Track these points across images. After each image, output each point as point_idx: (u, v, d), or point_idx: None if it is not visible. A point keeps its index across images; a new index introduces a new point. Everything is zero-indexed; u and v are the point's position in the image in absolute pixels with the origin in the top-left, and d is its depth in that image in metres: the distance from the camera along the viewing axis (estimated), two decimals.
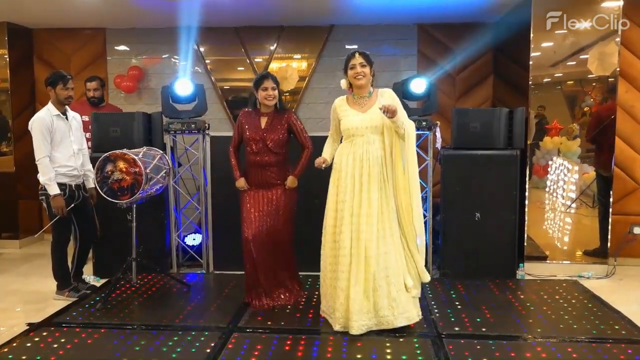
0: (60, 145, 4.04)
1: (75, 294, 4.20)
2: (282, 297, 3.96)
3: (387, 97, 3.52)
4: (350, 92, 3.61)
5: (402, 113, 3.41)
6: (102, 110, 5.22)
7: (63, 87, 4.04)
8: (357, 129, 3.48)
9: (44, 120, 3.96)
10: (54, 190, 3.94)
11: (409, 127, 3.40)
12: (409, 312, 3.40)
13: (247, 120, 3.89)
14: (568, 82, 5.01)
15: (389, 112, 3.26)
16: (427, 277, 3.53)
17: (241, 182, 3.95)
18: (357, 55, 3.49)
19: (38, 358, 3.07)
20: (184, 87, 4.87)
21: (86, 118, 4.84)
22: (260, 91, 3.79)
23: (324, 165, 3.55)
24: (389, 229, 3.40)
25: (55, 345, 3.25)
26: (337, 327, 3.41)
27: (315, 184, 3.95)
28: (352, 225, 3.41)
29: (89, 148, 4.61)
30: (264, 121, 3.85)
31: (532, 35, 4.80)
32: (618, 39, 4.73)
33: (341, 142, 3.65)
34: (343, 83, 3.60)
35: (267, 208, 3.87)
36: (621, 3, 4.69)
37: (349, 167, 3.47)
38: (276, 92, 3.81)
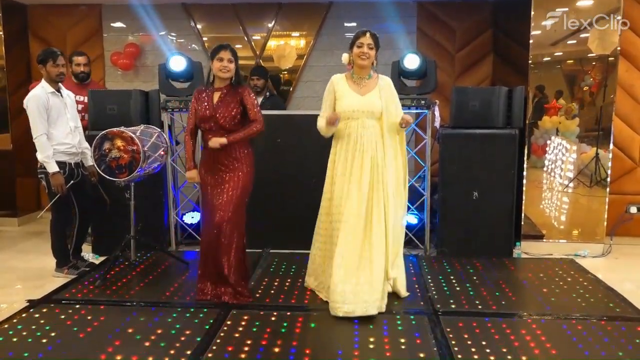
0: (57, 123, 4.01)
1: (74, 271, 4.21)
2: (225, 297, 3.57)
3: (387, 86, 3.54)
4: (349, 69, 3.57)
5: (398, 104, 3.58)
6: (87, 87, 5.10)
7: (53, 64, 3.98)
8: (354, 112, 3.46)
9: (40, 98, 3.92)
10: (52, 168, 3.92)
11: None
12: (382, 301, 3.41)
13: (199, 98, 3.55)
14: (568, 61, 4.98)
15: (407, 125, 3.47)
16: (390, 274, 3.50)
17: (192, 174, 3.62)
18: (367, 35, 3.45)
19: (38, 334, 3.09)
20: (177, 63, 4.81)
21: (77, 98, 4.76)
22: (215, 62, 3.45)
23: (338, 118, 3.44)
24: (377, 214, 3.41)
25: (55, 322, 3.27)
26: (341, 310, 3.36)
27: (314, 164, 3.93)
28: (343, 208, 3.42)
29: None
30: (216, 96, 3.52)
31: (532, 13, 4.75)
32: (619, 17, 4.68)
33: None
34: (345, 57, 3.55)
35: (219, 198, 3.51)
36: None
37: (342, 150, 3.49)
38: (233, 65, 3.47)
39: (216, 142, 3.44)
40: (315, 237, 3.71)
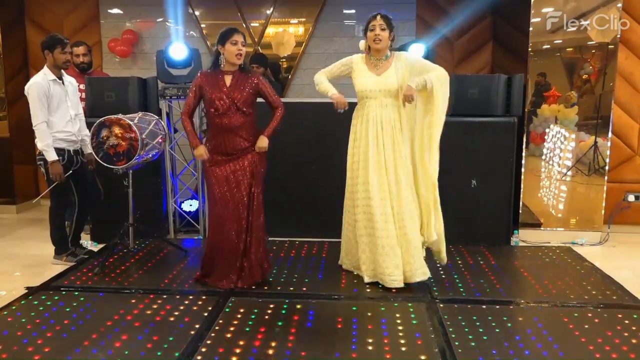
0: (58, 111, 3.98)
1: (73, 258, 4.21)
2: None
3: (402, 61, 3.57)
4: (367, 54, 3.63)
5: (424, 65, 3.58)
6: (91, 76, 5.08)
7: (61, 50, 3.95)
8: (371, 92, 3.54)
9: (41, 85, 3.88)
10: (51, 156, 3.90)
11: (435, 79, 3.48)
12: (423, 268, 3.58)
13: (207, 80, 3.47)
14: (567, 49, 4.95)
15: (408, 100, 3.43)
16: (432, 237, 3.63)
17: (200, 150, 3.51)
18: (378, 17, 3.50)
19: (37, 321, 3.10)
20: (178, 51, 4.78)
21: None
22: (230, 45, 3.37)
23: (344, 109, 3.52)
24: (404, 189, 3.53)
25: (54, 309, 3.28)
26: (367, 279, 3.62)
27: (313, 151, 3.91)
28: (367, 186, 3.52)
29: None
30: (228, 80, 3.46)
31: (532, 0, 4.71)
32: (619, 5, 4.65)
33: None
34: (362, 44, 3.64)
35: (235, 182, 3.50)
36: None
37: (362, 130, 3.56)
38: (245, 49, 3.43)
39: (263, 143, 3.51)
40: (344, 216, 3.83)
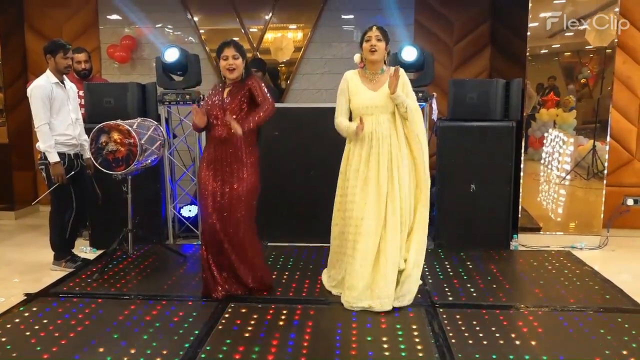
0: (59, 114, 4.01)
1: (72, 264, 4.20)
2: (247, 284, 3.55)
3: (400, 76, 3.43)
4: (361, 67, 3.52)
5: (408, 93, 3.43)
6: (91, 82, 5.09)
7: (63, 56, 3.99)
8: (367, 108, 3.41)
9: (44, 88, 3.92)
10: (53, 157, 3.92)
11: (412, 109, 3.41)
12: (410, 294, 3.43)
13: (213, 92, 3.53)
14: (565, 54, 4.96)
15: (391, 86, 3.30)
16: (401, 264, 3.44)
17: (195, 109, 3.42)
18: (374, 28, 3.42)
19: (36, 327, 3.09)
20: (172, 54, 4.78)
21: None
22: (221, 61, 3.41)
23: (362, 131, 3.36)
24: (392, 210, 3.36)
25: (53, 315, 3.27)
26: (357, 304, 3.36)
27: (312, 157, 3.91)
28: (356, 204, 3.39)
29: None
30: (226, 92, 3.47)
31: (530, 5, 4.73)
32: (617, 9, 4.67)
33: (350, 119, 3.54)
34: (356, 57, 3.52)
35: (223, 199, 3.42)
36: None
37: (357, 146, 3.44)
38: (239, 61, 3.39)
39: (236, 128, 3.25)
40: (332, 229, 3.67)
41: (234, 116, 3.35)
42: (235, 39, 3.60)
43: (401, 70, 3.47)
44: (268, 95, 3.45)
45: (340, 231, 3.57)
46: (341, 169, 3.56)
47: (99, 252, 4.67)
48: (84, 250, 4.68)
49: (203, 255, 3.52)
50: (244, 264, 3.51)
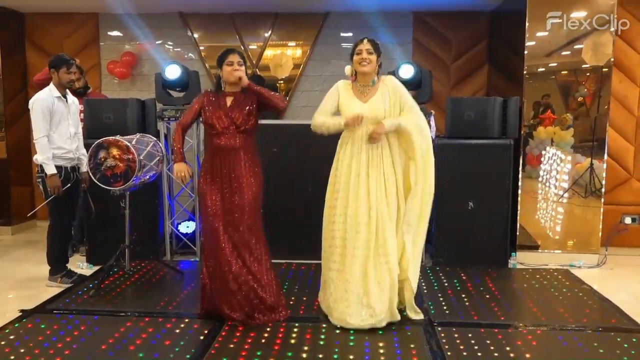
0: (59, 127, 4.05)
1: (68, 280, 4.18)
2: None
3: (392, 86, 3.41)
4: (353, 80, 3.49)
5: (404, 104, 3.39)
6: (89, 97, 5.10)
7: (66, 70, 4.04)
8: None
9: (46, 101, 3.97)
10: (50, 169, 3.94)
11: (413, 125, 3.32)
12: (393, 312, 3.36)
13: (209, 101, 3.42)
14: (562, 72, 5.01)
15: (373, 139, 3.28)
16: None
17: (181, 166, 3.40)
18: (365, 41, 3.39)
19: (31, 345, 3.06)
20: (173, 71, 4.82)
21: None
22: (225, 66, 3.37)
23: (361, 120, 3.28)
24: (387, 224, 3.32)
25: (48, 332, 3.24)
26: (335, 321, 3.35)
27: (310, 173, 3.90)
28: (346, 217, 3.35)
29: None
30: (229, 100, 3.41)
31: (527, 24, 4.78)
32: (613, 29, 4.72)
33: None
34: (347, 69, 3.50)
35: (227, 210, 3.37)
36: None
37: (346, 159, 3.39)
38: (243, 68, 3.38)
39: (245, 82, 3.30)
40: (322, 244, 3.58)
41: (240, 123, 3.35)
42: (234, 48, 3.60)
43: (391, 80, 3.45)
44: (285, 100, 3.53)
45: (327, 244, 3.49)
46: (330, 180, 3.50)
47: (96, 268, 4.64)
48: (80, 266, 4.66)
49: (204, 271, 3.47)
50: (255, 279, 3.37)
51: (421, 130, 3.35)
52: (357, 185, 3.34)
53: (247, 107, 3.39)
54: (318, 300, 3.68)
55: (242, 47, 6.25)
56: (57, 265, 4.22)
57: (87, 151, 4.06)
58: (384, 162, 3.35)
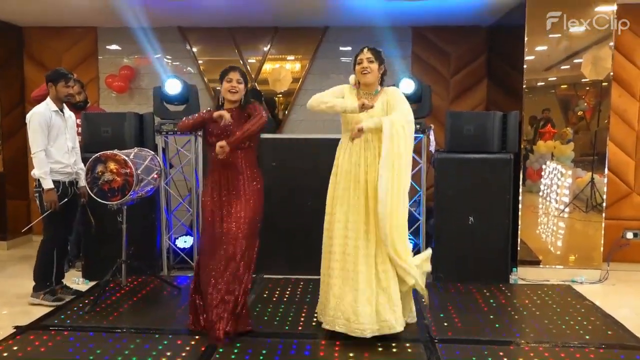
0: (56, 141, 4.04)
1: (50, 297, 4.10)
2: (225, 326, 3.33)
3: (390, 94, 3.42)
4: (357, 88, 3.50)
5: (397, 106, 3.35)
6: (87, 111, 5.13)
7: (65, 84, 4.05)
8: (358, 124, 3.33)
9: (43, 115, 3.96)
10: (48, 184, 3.92)
11: (394, 127, 3.23)
12: (402, 317, 3.35)
13: (210, 118, 3.46)
14: (562, 86, 5.04)
15: (354, 135, 3.25)
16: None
17: (220, 112, 3.37)
18: (365, 50, 3.41)
19: None
20: (173, 86, 4.85)
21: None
22: (225, 83, 3.46)
23: (365, 109, 3.25)
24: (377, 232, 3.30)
25: (43, 349, 3.22)
26: (338, 328, 3.31)
27: (309, 187, 3.89)
28: (345, 225, 3.35)
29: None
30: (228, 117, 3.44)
31: (526, 38, 4.82)
32: (612, 43, 4.76)
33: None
34: (352, 78, 3.51)
35: (227, 222, 3.40)
36: (615, 7, 4.72)
37: (345, 164, 3.39)
38: (242, 86, 3.46)
39: (223, 147, 3.27)
40: (322, 257, 3.57)
41: (237, 147, 3.39)
42: (235, 65, 3.62)
43: (392, 90, 3.46)
44: (259, 108, 3.49)
45: (327, 251, 3.47)
46: (329, 186, 3.49)
47: (92, 283, 4.62)
48: (76, 281, 4.64)
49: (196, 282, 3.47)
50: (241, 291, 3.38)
51: (392, 125, 3.25)
52: (357, 197, 3.34)
53: (244, 122, 3.42)
54: (316, 313, 3.66)
55: (241, 61, 6.29)
56: (42, 281, 4.15)
57: (85, 165, 4.06)
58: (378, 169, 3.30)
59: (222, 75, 3.50)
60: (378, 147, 3.33)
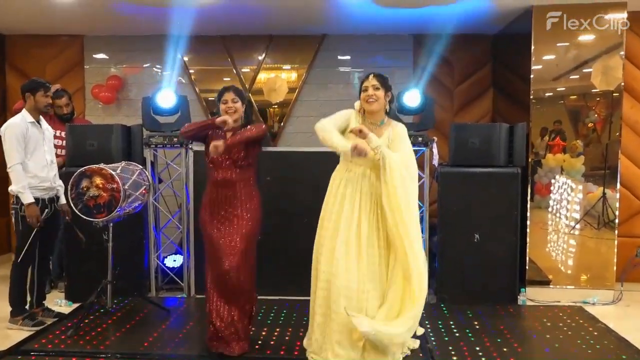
0: (34, 155, 4.00)
1: (30, 322, 4.07)
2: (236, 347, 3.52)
3: (396, 131, 3.38)
4: (362, 115, 3.45)
5: (399, 146, 3.33)
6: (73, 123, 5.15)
7: (44, 94, 4.04)
8: (358, 159, 3.29)
9: (19, 126, 3.94)
10: (27, 198, 3.88)
11: (391, 164, 3.21)
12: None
13: (213, 134, 3.61)
14: (571, 97, 5.08)
15: (357, 151, 3.17)
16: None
17: (221, 117, 3.52)
18: (371, 77, 3.38)
19: None
20: (166, 98, 4.88)
21: (57, 133, 4.78)
22: (221, 104, 3.62)
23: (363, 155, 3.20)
24: (371, 270, 3.27)
25: None
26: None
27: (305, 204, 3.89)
28: (331, 259, 3.29)
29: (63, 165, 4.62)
30: (228, 135, 3.60)
31: (533, 47, 4.87)
32: (622, 53, 4.81)
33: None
34: (357, 105, 3.48)
35: (227, 238, 3.53)
36: (625, 15, 4.77)
37: (339, 195, 3.36)
38: (239, 105, 3.61)
39: (218, 146, 3.39)
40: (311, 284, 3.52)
41: (236, 164, 3.53)
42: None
43: (399, 128, 3.43)
44: (259, 123, 3.66)
45: (314, 283, 3.43)
46: (321, 215, 3.47)
47: (75, 305, 4.60)
48: (58, 303, 4.61)
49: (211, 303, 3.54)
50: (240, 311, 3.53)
51: (396, 166, 3.23)
52: (347, 230, 3.29)
53: (244, 143, 3.55)
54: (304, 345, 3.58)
55: (234, 70, 6.33)
56: (19, 306, 4.12)
57: (67, 181, 4.03)
58: (376, 206, 3.31)
59: (217, 99, 3.66)
60: (376, 186, 3.30)
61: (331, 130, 3.33)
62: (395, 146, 3.34)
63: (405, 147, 3.37)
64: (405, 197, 3.24)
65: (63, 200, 4.16)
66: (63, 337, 3.83)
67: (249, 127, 3.58)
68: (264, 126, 3.66)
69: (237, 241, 3.47)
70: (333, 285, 3.24)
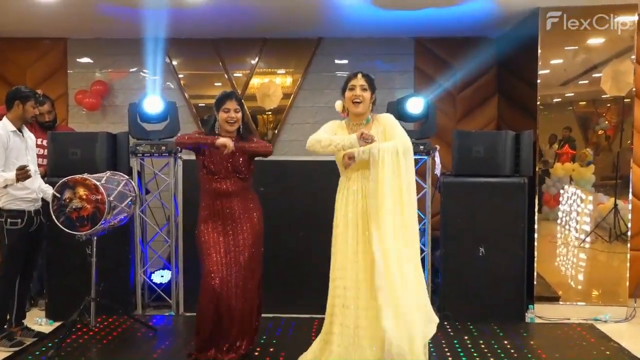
0: (17, 164, 4.00)
1: (7, 342, 4.05)
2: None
3: (385, 122, 3.46)
4: (344, 117, 3.55)
5: (393, 133, 3.40)
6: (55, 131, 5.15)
7: (34, 104, 4.09)
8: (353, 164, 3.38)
9: (0, 136, 3.95)
10: (8, 178, 3.80)
11: (378, 150, 3.28)
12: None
13: (213, 141, 3.61)
14: (580, 103, 5.11)
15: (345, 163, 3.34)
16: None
17: (223, 140, 3.54)
18: (359, 76, 3.45)
19: None
20: (153, 104, 4.90)
21: (39, 141, 4.79)
22: (222, 112, 3.64)
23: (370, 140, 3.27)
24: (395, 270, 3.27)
25: None
26: None
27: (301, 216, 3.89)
28: (347, 267, 3.34)
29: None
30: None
31: (539, 51, 4.91)
32: (633, 57, 4.84)
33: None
34: (338, 105, 3.54)
35: (232, 250, 3.65)
36: (636, 18, 4.81)
37: (343, 205, 3.42)
38: (240, 114, 3.67)
39: (226, 141, 3.50)
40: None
41: (238, 175, 3.65)
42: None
43: (386, 118, 3.51)
44: (270, 145, 3.86)
45: (332, 297, 3.46)
46: (333, 230, 3.50)
47: (57, 324, 4.58)
48: (39, 322, 4.59)
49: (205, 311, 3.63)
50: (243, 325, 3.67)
51: (389, 153, 3.30)
52: (357, 236, 3.35)
53: (242, 155, 3.66)
54: None
55: (225, 75, 6.36)
56: (1, 324, 4.10)
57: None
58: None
59: (217, 104, 3.67)
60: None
61: (327, 137, 3.41)
62: (392, 136, 3.40)
63: (400, 131, 3.43)
64: (399, 190, 3.30)
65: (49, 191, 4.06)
66: (43, 358, 3.81)
67: (255, 140, 3.69)
68: (271, 147, 3.81)
69: (247, 249, 3.63)
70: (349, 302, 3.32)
